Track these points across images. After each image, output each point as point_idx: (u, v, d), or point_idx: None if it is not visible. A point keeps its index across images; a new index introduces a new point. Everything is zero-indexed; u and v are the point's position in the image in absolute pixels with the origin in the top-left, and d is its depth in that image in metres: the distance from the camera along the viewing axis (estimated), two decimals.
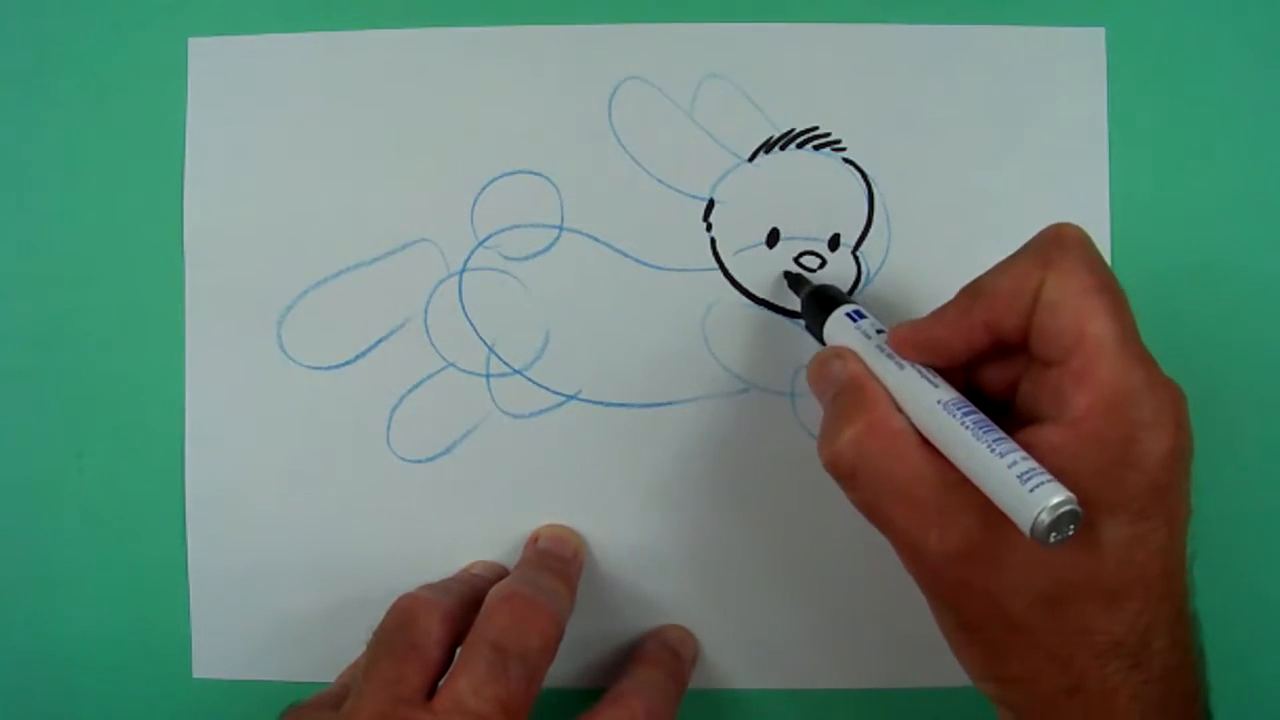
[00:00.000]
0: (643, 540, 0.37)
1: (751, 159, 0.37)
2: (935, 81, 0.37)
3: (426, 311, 0.37)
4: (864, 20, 0.37)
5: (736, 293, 0.37)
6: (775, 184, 0.37)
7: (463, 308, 0.37)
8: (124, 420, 0.38)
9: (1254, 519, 0.37)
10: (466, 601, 0.32)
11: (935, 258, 0.37)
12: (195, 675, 0.38)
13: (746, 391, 0.37)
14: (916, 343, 0.29)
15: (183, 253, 0.37)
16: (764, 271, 0.37)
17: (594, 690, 0.37)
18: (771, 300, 0.37)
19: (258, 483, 0.37)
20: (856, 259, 0.37)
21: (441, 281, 0.37)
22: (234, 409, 0.37)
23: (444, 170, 0.37)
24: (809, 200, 0.37)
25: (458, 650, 0.31)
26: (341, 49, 0.37)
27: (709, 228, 0.37)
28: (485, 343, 0.37)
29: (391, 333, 0.37)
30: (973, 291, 0.29)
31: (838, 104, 0.37)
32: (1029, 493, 0.24)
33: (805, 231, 0.37)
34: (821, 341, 0.33)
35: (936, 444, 0.28)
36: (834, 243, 0.37)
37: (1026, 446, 0.26)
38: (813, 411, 0.37)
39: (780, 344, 0.37)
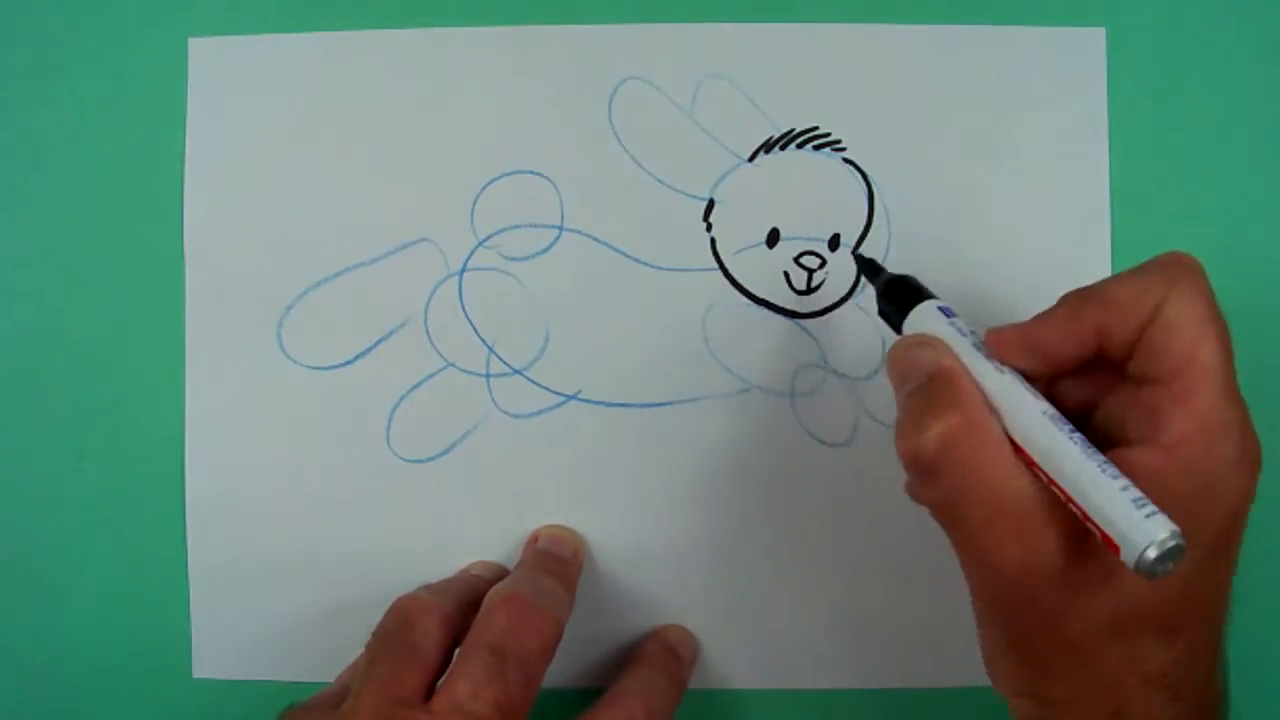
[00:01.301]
0: (642, 540, 0.37)
1: (751, 159, 0.37)
2: (935, 81, 0.37)
3: (426, 311, 0.37)
4: (864, 20, 0.37)
5: (736, 293, 0.37)
6: (775, 184, 0.37)
7: (463, 308, 0.37)
8: (124, 420, 0.38)
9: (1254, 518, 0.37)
10: (465, 603, 0.32)
11: (935, 258, 0.37)
12: (195, 675, 0.38)
13: (746, 391, 0.37)
14: (1021, 345, 0.28)
15: (183, 253, 0.37)
16: (764, 271, 0.37)
17: (593, 690, 0.37)
18: (771, 300, 0.37)
19: (258, 483, 0.37)
20: (857, 259, 0.37)
21: (441, 281, 0.37)
22: (234, 409, 0.37)
23: (444, 170, 0.37)
24: (809, 200, 0.37)
25: (456, 652, 0.31)
26: (341, 49, 0.37)
27: (709, 228, 0.37)
28: (485, 343, 0.37)
29: (391, 333, 0.37)
30: (1085, 297, 0.28)
31: (838, 104, 0.37)
32: (1142, 521, 0.24)
33: (805, 231, 0.37)
34: (899, 332, 0.31)
35: (1035, 456, 0.26)
36: (834, 243, 0.37)
37: (1118, 466, 0.25)
38: (813, 411, 0.37)
39: (780, 344, 0.37)
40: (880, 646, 0.37)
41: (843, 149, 0.37)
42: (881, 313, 0.33)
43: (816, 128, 0.37)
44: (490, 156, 0.37)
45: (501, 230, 0.37)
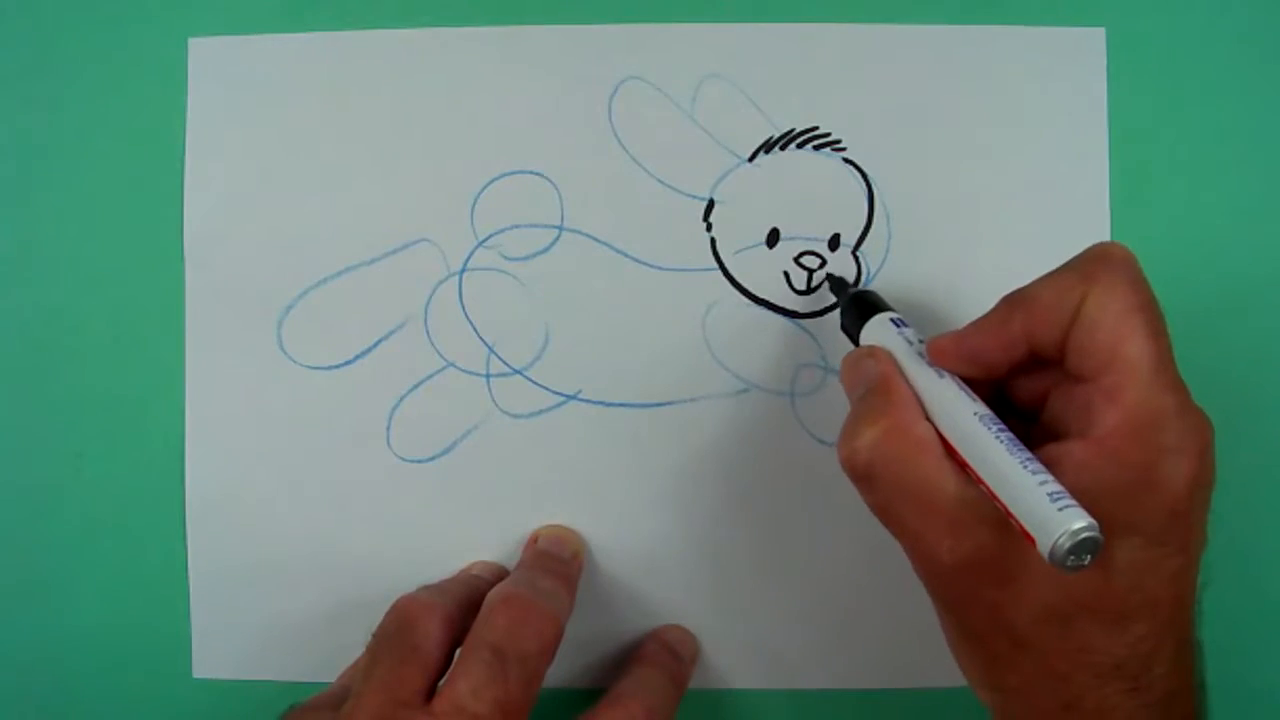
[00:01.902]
0: (642, 540, 0.37)
1: (751, 159, 0.37)
2: (935, 81, 0.37)
3: (426, 311, 0.37)
4: (864, 20, 0.37)
5: (736, 293, 0.37)
6: (775, 184, 0.37)
7: (463, 308, 0.37)
8: (124, 420, 0.38)
9: (1253, 516, 0.37)
10: (465, 603, 0.32)
11: (935, 258, 0.37)
12: (195, 675, 0.38)
13: (746, 391, 0.37)
14: (957, 353, 0.29)
15: (183, 253, 0.37)
16: (764, 271, 0.37)
17: (594, 690, 0.37)
18: (771, 300, 0.37)
19: (258, 483, 0.37)
20: (856, 259, 0.37)
21: (441, 281, 0.37)
22: (234, 409, 0.37)
23: (444, 170, 0.37)
24: (809, 200, 0.37)
25: (457, 652, 0.31)
26: (341, 49, 0.37)
27: (709, 228, 0.37)
28: (485, 343, 0.37)
29: (391, 333, 0.37)
30: (1013, 301, 0.29)
31: (838, 104, 0.37)
32: (1055, 513, 0.24)
33: (805, 231, 0.37)
34: (858, 344, 0.33)
35: (964, 455, 0.27)
36: (834, 243, 0.37)
37: (1051, 460, 0.26)
38: (813, 411, 0.37)
39: (780, 344, 0.37)
40: (880, 646, 0.37)
41: (843, 149, 0.37)
42: (843, 328, 0.35)
43: (816, 128, 0.37)
44: (490, 156, 0.37)
45: (501, 230, 0.37)
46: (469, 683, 0.29)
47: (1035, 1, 0.37)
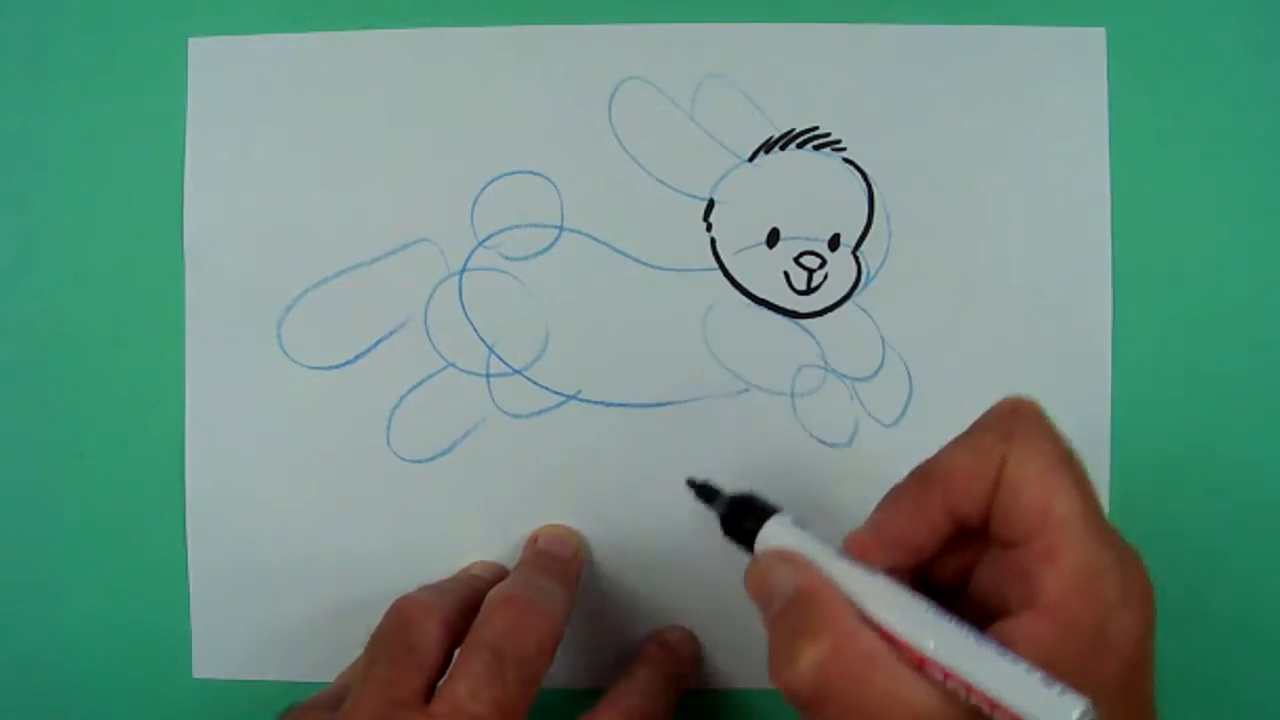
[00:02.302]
0: (642, 540, 0.37)
1: (751, 159, 0.37)
2: (935, 81, 0.37)
3: (426, 311, 0.37)
4: (864, 20, 0.37)
5: (736, 293, 0.37)
6: (775, 184, 0.37)
7: (463, 308, 0.37)
8: (124, 420, 0.38)
9: (1253, 515, 0.37)
10: (465, 604, 0.32)
11: (935, 258, 0.37)
12: (195, 675, 0.38)
13: (746, 391, 0.37)
14: (879, 545, 0.27)
15: (183, 253, 0.37)
16: (764, 271, 0.37)
17: (594, 690, 0.37)
18: (771, 300, 0.37)
19: (258, 483, 0.37)
20: (856, 259, 0.37)
21: (441, 281, 0.37)
22: (234, 409, 0.37)
23: (444, 170, 0.37)
24: (809, 200, 0.37)
25: (456, 653, 0.31)
26: (341, 49, 0.37)
27: (709, 228, 0.37)
28: (485, 343, 0.37)
29: (391, 333, 0.37)
30: (926, 475, 0.27)
31: (838, 104, 0.37)
32: (1055, 699, 0.23)
33: (805, 231, 0.37)
34: (751, 552, 0.29)
35: (927, 657, 0.25)
36: (834, 243, 0.37)
37: (1006, 640, 0.24)
38: (813, 411, 0.37)
39: (780, 344, 0.37)
40: None
41: (843, 149, 0.37)
42: (727, 535, 0.30)
43: (816, 128, 0.37)
44: (490, 156, 0.37)
45: (501, 230, 0.37)
46: (467, 683, 0.29)
47: (1035, 1, 0.37)
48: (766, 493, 0.37)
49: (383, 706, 0.29)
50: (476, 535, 0.37)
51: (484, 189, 0.37)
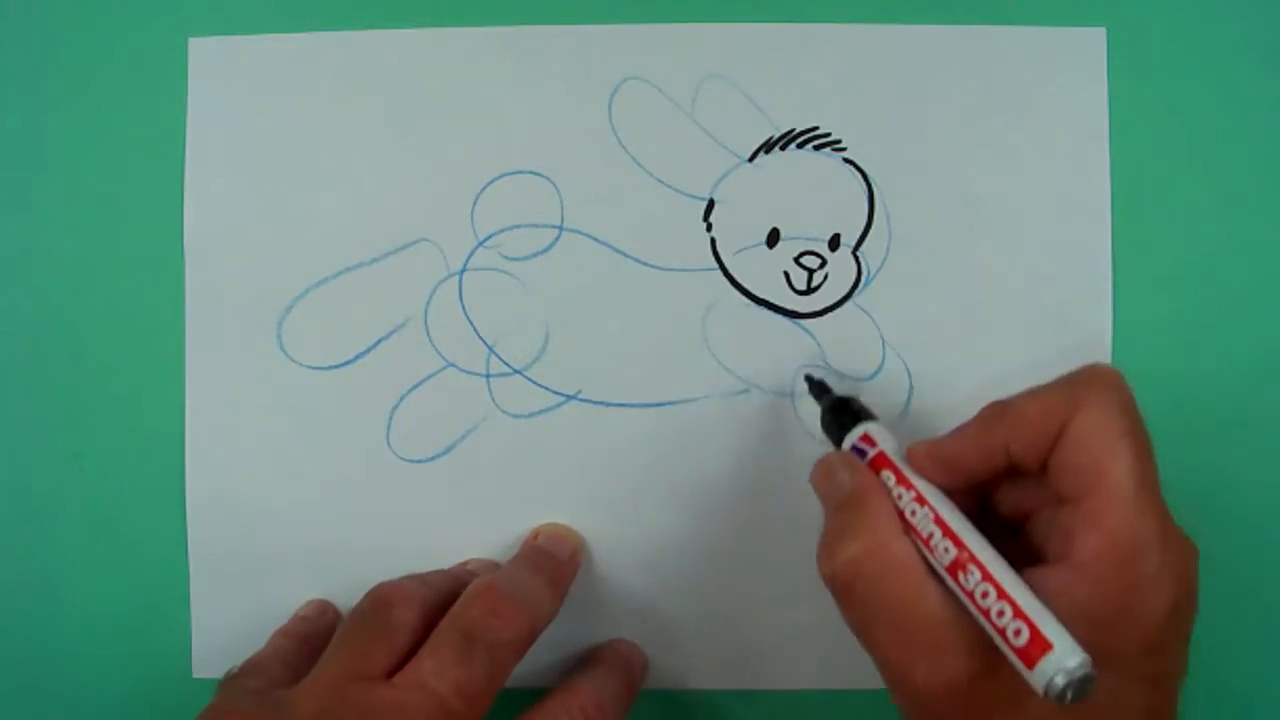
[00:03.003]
0: (642, 540, 0.37)
1: (751, 159, 0.37)
2: (935, 81, 0.37)
3: (426, 311, 0.37)
4: (864, 20, 0.37)
5: (736, 293, 0.37)
6: (775, 184, 0.37)
7: (463, 308, 0.37)
8: (124, 420, 0.38)
9: (1253, 515, 0.37)
10: (447, 595, 0.32)
11: (935, 258, 0.37)
12: (195, 675, 0.38)
13: (746, 391, 0.37)
14: (935, 460, 0.29)
15: (183, 253, 0.37)
16: (764, 271, 0.37)
17: None
18: (772, 300, 0.37)
19: (258, 483, 0.37)
20: (856, 259, 0.37)
21: (441, 281, 0.37)
22: (234, 409, 0.37)
23: (444, 170, 0.37)
24: (809, 200, 0.37)
25: None
26: (341, 49, 0.37)
27: (709, 228, 0.37)
28: (485, 343, 0.37)
29: (391, 333, 0.37)
30: (998, 411, 0.28)
31: (838, 104, 0.37)
32: (1051, 646, 0.24)
33: (805, 231, 0.37)
34: (839, 448, 0.32)
35: (945, 575, 0.27)
36: (834, 243, 0.37)
37: (1031, 585, 0.25)
38: (813, 411, 0.37)
39: (780, 344, 0.37)
40: None
41: (843, 149, 0.37)
42: (824, 429, 0.34)
43: (816, 128, 0.37)
44: (490, 156, 0.37)
45: (501, 230, 0.37)
46: (433, 662, 0.29)
47: (1035, 1, 0.37)
48: (767, 491, 0.37)
49: (341, 679, 0.29)
50: (476, 535, 0.37)
51: (484, 189, 0.37)
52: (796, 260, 0.37)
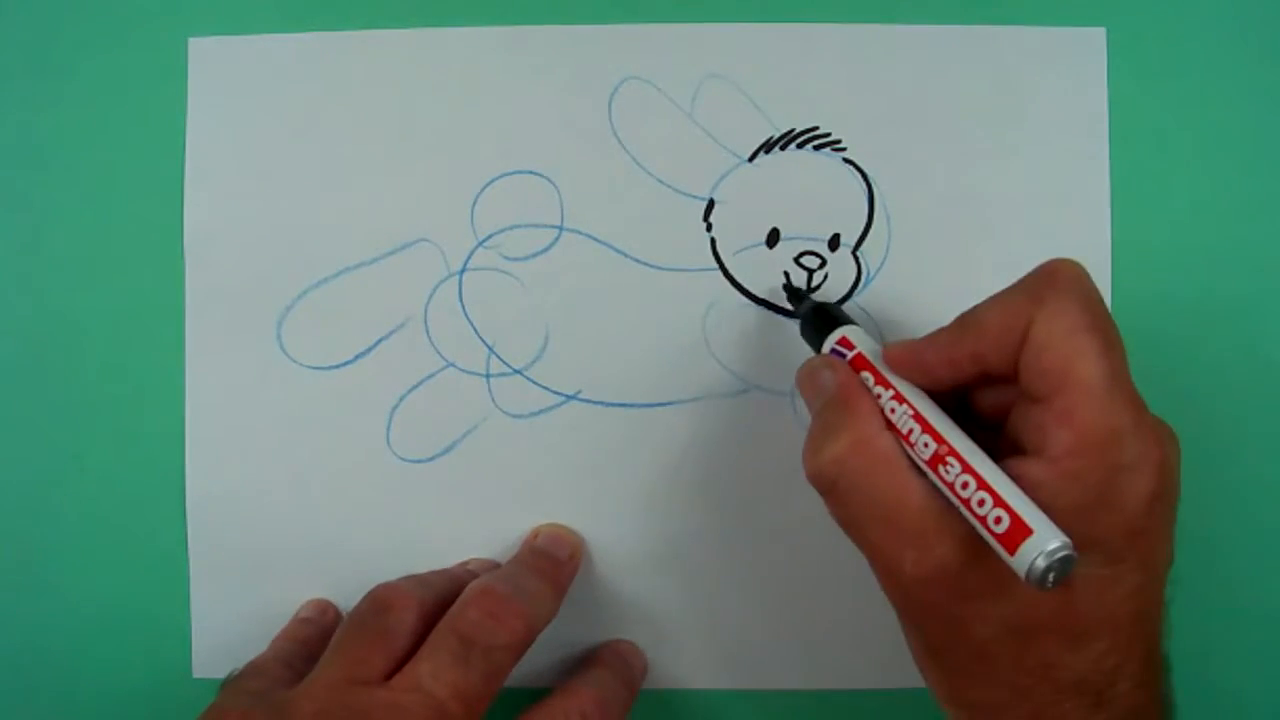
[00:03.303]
0: (642, 540, 0.37)
1: (751, 159, 0.37)
2: (935, 81, 0.37)
3: (426, 311, 0.37)
4: (864, 20, 0.37)
5: (736, 293, 0.37)
6: (775, 184, 0.37)
7: (463, 308, 0.37)
8: (124, 420, 0.38)
9: (1253, 514, 0.37)
10: (447, 596, 0.32)
11: (935, 258, 0.37)
12: (195, 675, 0.38)
13: (746, 391, 0.37)
14: (906, 362, 0.29)
15: (183, 253, 0.37)
16: (764, 271, 0.37)
17: None
18: (771, 300, 0.37)
19: (258, 482, 0.37)
20: (856, 259, 0.37)
21: (441, 281, 0.37)
22: (234, 409, 0.37)
23: (444, 170, 0.37)
24: (809, 200, 0.37)
25: None
26: (341, 49, 0.37)
27: (709, 228, 0.37)
28: (485, 343, 0.37)
29: (391, 333, 0.37)
30: (964, 322, 0.29)
31: (838, 104, 0.37)
32: (1031, 530, 0.24)
33: (805, 231, 0.37)
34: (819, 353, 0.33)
35: (927, 468, 0.27)
36: (834, 243, 0.37)
37: (1010, 476, 0.26)
38: None
39: (780, 344, 0.37)
40: (886, 647, 0.37)
41: (843, 149, 0.37)
42: (803, 336, 0.34)
43: (816, 128, 0.37)
44: (490, 156, 0.37)
45: (501, 230, 0.37)
46: (431, 665, 0.29)
47: (1035, 1, 0.37)
48: (767, 491, 0.37)
49: (340, 683, 0.29)
50: (476, 535, 0.37)
51: (484, 189, 0.37)
52: (796, 260, 0.37)
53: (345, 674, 0.30)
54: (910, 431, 0.28)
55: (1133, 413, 0.26)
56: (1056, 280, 0.27)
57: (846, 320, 0.33)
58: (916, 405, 0.28)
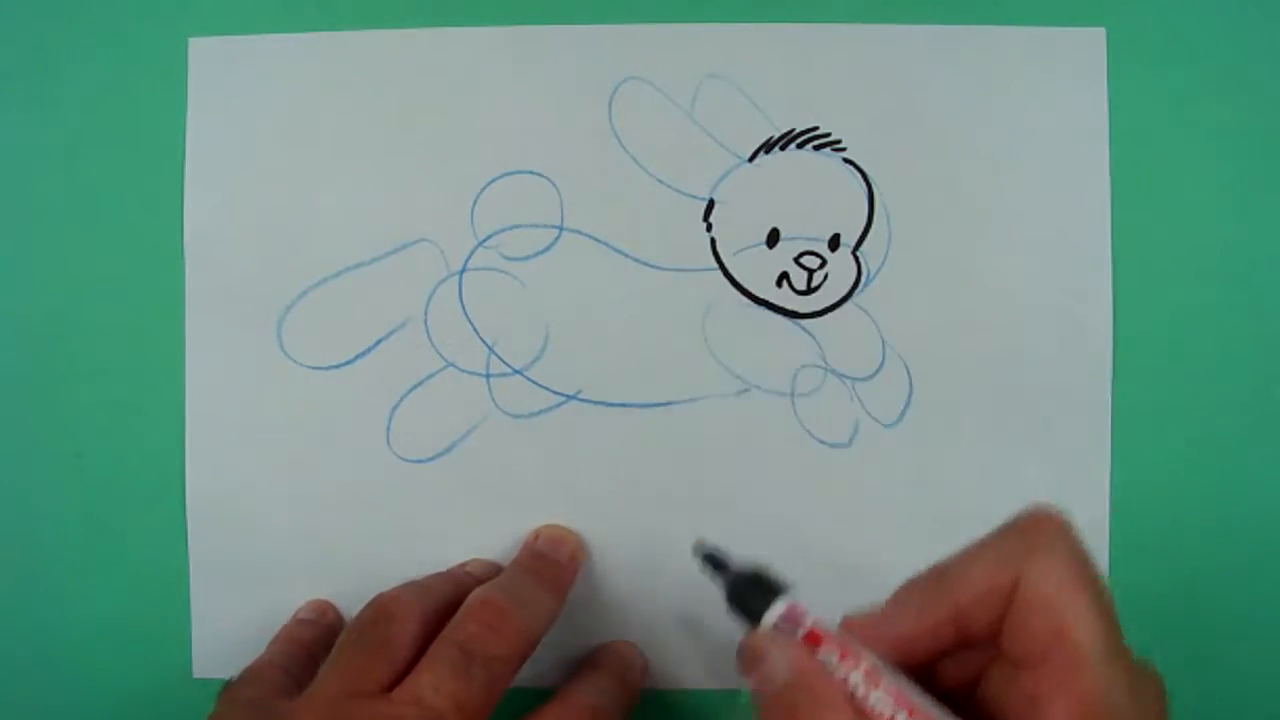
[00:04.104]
0: (641, 540, 0.37)
1: (751, 159, 0.37)
2: (935, 81, 0.37)
3: (426, 311, 0.37)
4: (864, 20, 0.37)
5: (736, 293, 0.37)
6: (775, 184, 0.37)
7: (463, 308, 0.37)
8: (124, 420, 0.38)
9: (1253, 514, 0.37)
10: (448, 603, 0.32)
11: (935, 258, 0.37)
12: (195, 675, 0.38)
13: (746, 391, 0.37)
14: (877, 642, 0.26)
15: (183, 253, 0.37)
16: (764, 271, 0.37)
17: None
18: (771, 300, 0.37)
19: (258, 483, 0.37)
20: (856, 259, 0.37)
21: (441, 281, 0.37)
22: (234, 409, 0.37)
23: (444, 170, 0.37)
24: (809, 200, 0.37)
25: None
26: (341, 49, 0.37)
27: (709, 228, 0.37)
28: (485, 343, 0.37)
29: (391, 333, 0.37)
30: (939, 580, 0.26)
31: (838, 104, 0.37)
32: None
33: (805, 231, 0.37)
34: (755, 625, 0.28)
35: None
36: (834, 243, 0.37)
37: None
38: (813, 411, 0.37)
39: (780, 344, 0.37)
40: None
41: (843, 149, 0.37)
42: (733, 607, 0.29)
43: (816, 128, 0.37)
44: (490, 156, 0.37)
45: (501, 230, 0.37)
46: (432, 677, 0.29)
47: (1035, 1, 0.37)
48: (767, 491, 0.37)
49: (341, 695, 0.29)
50: (476, 535, 0.37)
51: (484, 189, 0.37)
52: (796, 260, 0.37)
53: (345, 686, 0.30)
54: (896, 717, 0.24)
55: (1128, 675, 0.24)
56: (1042, 532, 0.25)
57: (784, 587, 0.28)
58: (900, 687, 0.25)
